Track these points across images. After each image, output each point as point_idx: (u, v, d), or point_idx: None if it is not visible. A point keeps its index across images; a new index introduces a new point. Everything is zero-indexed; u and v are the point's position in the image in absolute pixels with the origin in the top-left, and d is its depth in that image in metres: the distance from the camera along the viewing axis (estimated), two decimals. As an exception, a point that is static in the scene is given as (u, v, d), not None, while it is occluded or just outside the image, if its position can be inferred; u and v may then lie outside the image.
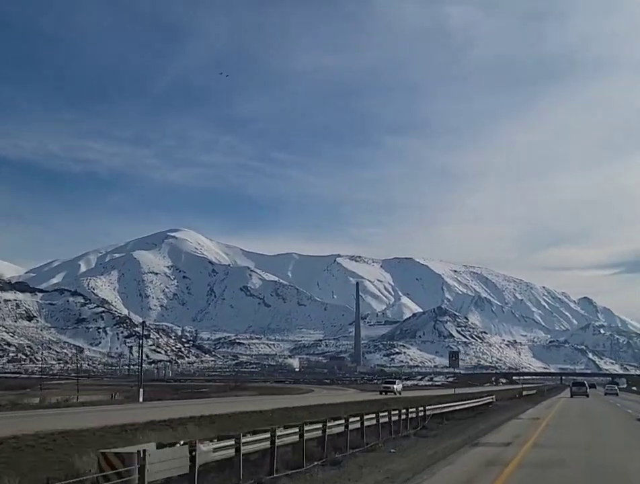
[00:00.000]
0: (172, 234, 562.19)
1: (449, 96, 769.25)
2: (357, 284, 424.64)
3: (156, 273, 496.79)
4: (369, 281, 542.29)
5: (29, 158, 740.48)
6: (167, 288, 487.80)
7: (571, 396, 60.24)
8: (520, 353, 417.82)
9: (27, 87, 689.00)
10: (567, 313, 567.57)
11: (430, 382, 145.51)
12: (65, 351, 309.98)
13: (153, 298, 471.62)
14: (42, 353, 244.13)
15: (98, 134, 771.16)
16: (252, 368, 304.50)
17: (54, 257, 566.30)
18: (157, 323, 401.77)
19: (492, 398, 38.78)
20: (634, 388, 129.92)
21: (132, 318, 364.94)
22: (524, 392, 60.24)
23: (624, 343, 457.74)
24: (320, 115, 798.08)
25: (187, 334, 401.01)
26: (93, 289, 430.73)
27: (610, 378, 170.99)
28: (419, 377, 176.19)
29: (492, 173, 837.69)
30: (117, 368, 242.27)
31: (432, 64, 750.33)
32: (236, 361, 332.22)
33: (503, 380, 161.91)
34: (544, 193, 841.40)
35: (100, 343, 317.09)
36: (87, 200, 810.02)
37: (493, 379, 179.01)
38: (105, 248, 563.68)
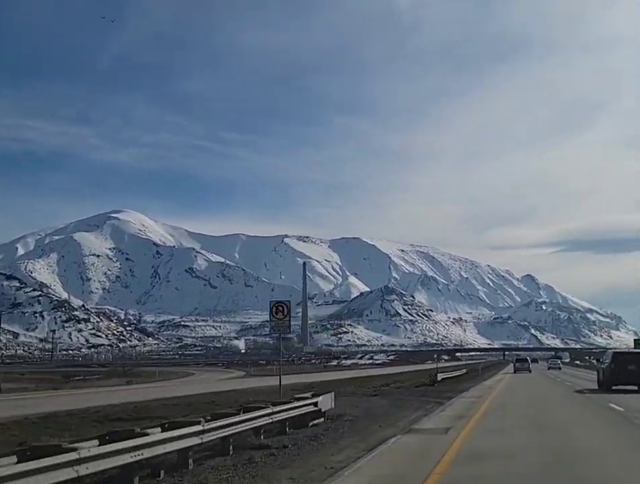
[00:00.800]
0: (114, 215, 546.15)
1: (397, 76, 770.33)
2: (304, 264, 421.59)
3: (98, 256, 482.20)
4: (317, 261, 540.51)
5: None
6: (109, 270, 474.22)
7: (515, 372, 61.26)
8: (465, 330, 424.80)
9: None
10: (510, 290, 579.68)
11: (370, 361, 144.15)
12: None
13: (95, 281, 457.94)
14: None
15: (38, 112, 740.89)
16: (197, 350, 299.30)
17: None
18: (99, 307, 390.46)
19: (315, 406, 14.54)
20: (577, 362, 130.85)
21: (72, 302, 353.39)
22: (441, 376, 38.06)
23: (565, 318, 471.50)
24: (269, 95, 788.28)
25: (131, 317, 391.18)
26: (31, 272, 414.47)
27: (553, 353, 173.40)
28: (359, 355, 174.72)
29: (440, 153, 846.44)
30: (54, 353, 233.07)
31: (381, 44, 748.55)
32: (180, 343, 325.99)
33: (445, 357, 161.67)
34: (489, 173, 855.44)
35: (37, 328, 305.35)
36: (25, 181, 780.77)
37: (435, 356, 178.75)
38: (44, 230, 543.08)
